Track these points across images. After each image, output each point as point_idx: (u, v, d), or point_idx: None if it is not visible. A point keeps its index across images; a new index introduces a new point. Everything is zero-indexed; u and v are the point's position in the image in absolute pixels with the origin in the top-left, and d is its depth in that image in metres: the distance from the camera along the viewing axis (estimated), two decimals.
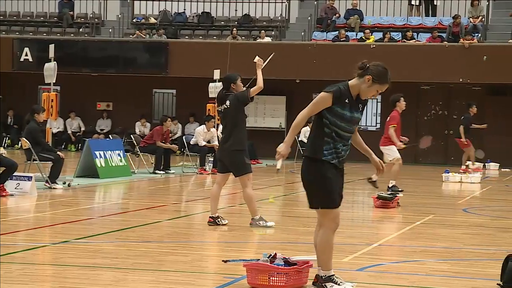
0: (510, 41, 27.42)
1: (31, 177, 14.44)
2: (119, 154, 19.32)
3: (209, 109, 23.72)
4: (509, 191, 19.29)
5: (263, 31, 29.20)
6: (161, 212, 12.89)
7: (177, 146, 22.89)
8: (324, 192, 6.68)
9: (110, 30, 30.44)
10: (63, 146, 29.35)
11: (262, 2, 30.81)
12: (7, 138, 30.29)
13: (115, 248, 9.15)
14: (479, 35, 28.14)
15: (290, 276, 6.92)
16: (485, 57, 26.32)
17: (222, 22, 30.88)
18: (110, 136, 24.38)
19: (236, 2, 31.00)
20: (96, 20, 31.07)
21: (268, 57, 11.73)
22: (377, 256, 9.16)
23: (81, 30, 30.86)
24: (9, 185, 14.12)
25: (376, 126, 29.11)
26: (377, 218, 13.12)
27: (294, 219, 12.91)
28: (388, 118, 16.60)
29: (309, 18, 29.83)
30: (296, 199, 16.12)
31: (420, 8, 30.09)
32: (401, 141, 16.41)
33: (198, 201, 15.11)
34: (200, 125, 23.02)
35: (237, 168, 10.89)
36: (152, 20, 31.00)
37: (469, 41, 26.83)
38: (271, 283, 6.90)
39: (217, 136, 21.98)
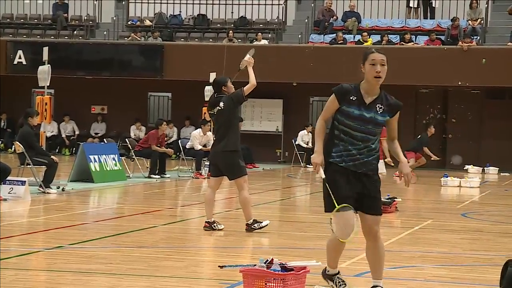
0: (509, 43, 27.45)
1: (25, 181, 14.42)
2: (114, 158, 19.31)
3: (205, 113, 23.69)
4: (509, 195, 19.30)
5: (259, 33, 29.20)
6: (156, 217, 12.88)
7: (172, 150, 22.89)
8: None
9: (105, 32, 30.43)
10: (57, 150, 29.32)
11: (259, 4, 30.81)
12: (0, 142, 30.26)
13: (110, 253, 9.14)
14: (478, 37, 28.17)
15: (287, 281, 6.92)
16: (484, 60, 26.36)
17: (218, 25, 30.89)
18: (104, 140, 24.37)
19: (233, 4, 31.00)
20: (90, 22, 31.06)
21: (248, 53, 11.72)
22: None
23: (75, 32, 30.84)
24: (3, 190, 14.10)
25: None
26: None
27: (291, 224, 12.90)
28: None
29: (306, 20, 29.85)
30: (293, 204, 16.14)
31: (419, 10, 30.12)
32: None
33: (194, 205, 15.10)
34: (196, 129, 23.03)
35: (232, 170, 10.84)
36: (147, 23, 31.00)
37: (467, 44, 26.87)
38: None
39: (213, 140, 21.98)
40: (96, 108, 31.02)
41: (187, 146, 21.78)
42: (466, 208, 15.63)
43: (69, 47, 29.25)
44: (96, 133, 30.61)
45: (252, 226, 10.96)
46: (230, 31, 29.22)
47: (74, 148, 29.16)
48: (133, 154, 21.00)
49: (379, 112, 6.59)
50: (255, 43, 28.47)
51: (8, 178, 14.20)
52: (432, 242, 10.69)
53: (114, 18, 30.92)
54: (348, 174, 6.59)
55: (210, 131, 21.85)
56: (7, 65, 28.77)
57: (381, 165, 16.50)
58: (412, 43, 28.37)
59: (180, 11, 31.27)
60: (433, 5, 30.04)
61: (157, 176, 20.41)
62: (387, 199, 14.12)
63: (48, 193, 15.49)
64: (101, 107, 31.01)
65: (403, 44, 28.17)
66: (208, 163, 21.65)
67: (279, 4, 30.65)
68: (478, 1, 29.01)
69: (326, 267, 7.08)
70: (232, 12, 30.99)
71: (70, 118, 30.54)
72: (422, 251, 9.89)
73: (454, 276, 8.23)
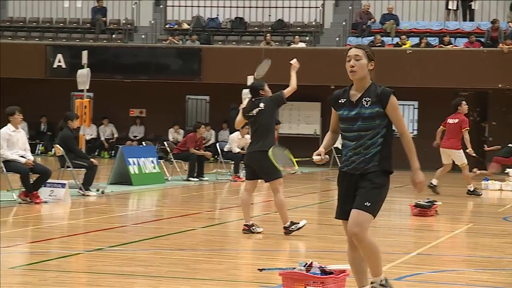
0: None
1: (65, 184, 14.55)
2: (152, 161, 19.40)
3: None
4: None
5: (297, 36, 29.15)
6: (195, 220, 12.91)
7: (210, 153, 22.94)
8: None
9: (143, 36, 30.61)
10: (96, 153, 29.53)
11: (296, 7, 30.79)
12: (40, 145, 30.56)
13: (149, 256, 9.18)
14: None
15: (327, 285, 6.89)
16: None
17: (256, 28, 30.91)
18: (143, 143, 24.49)
19: (270, 7, 31.00)
20: (128, 26, 31.26)
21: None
22: (416, 265, 9.08)
23: (113, 36, 31.06)
24: (43, 192, 14.24)
25: (413, 132, 28.93)
26: (415, 226, 13.03)
27: (330, 227, 12.85)
28: (456, 120, 17.12)
29: (344, 23, 29.76)
30: (331, 207, 16.07)
31: (458, 12, 29.86)
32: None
33: (232, 208, 15.11)
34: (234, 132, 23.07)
35: (267, 173, 10.83)
36: (185, 26, 31.12)
37: (508, 46, 26.59)
38: None
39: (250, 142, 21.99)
40: (134, 111, 31.21)
41: (225, 149, 21.81)
42: (508, 212, 15.45)
43: (107, 51, 29.46)
44: (135, 136, 30.79)
45: (290, 229, 10.95)
46: (268, 34, 29.21)
47: (113, 151, 29.37)
48: (172, 157, 21.08)
49: (366, 106, 6.34)
50: (293, 46, 28.46)
51: (49, 180, 14.33)
52: (473, 246, 10.60)
53: (152, 21, 31.09)
54: (346, 178, 6.41)
55: (248, 133, 21.86)
56: (47, 68, 29.05)
57: (461, 155, 17.21)
58: (451, 45, 28.14)
59: (217, 15, 31.35)
60: (473, 7, 29.76)
61: (195, 179, 20.47)
62: (427, 202, 14.03)
63: (87, 195, 15.61)
64: (139, 110, 31.19)
65: (442, 47, 27.97)
66: None
67: (316, 7, 30.59)
68: None
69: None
70: (269, 15, 30.98)
71: (109, 121, 30.75)
72: (463, 255, 9.81)
73: (496, 281, 8.15)
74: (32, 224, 12.09)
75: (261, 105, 10.98)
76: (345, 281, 7.07)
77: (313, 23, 30.53)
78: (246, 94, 23.97)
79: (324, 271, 7.00)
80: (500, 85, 26.68)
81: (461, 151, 17.65)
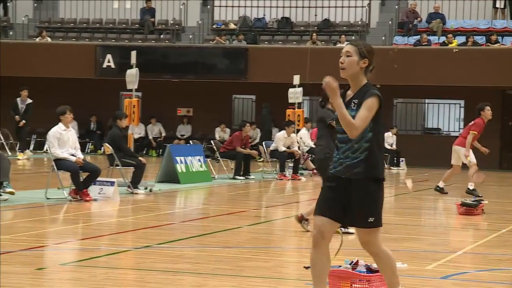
0: None
1: (114, 182, 14.67)
2: (199, 160, 19.49)
3: (288, 115, 23.74)
4: None
5: (343, 35, 29.05)
6: (241, 218, 12.94)
7: (257, 152, 22.97)
8: None
9: (190, 36, 30.76)
10: (144, 152, 29.74)
11: (343, 6, 30.67)
12: (90, 143, 30.89)
13: (196, 253, 9.23)
14: None
15: (372, 283, 6.86)
16: None
17: (302, 27, 30.87)
18: (190, 141, 24.63)
19: (316, 7, 30.93)
20: (176, 26, 31.44)
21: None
22: (462, 264, 9.00)
23: (162, 36, 31.27)
24: (93, 190, 14.37)
25: (459, 131, 28.65)
26: (461, 225, 12.91)
27: None
28: (472, 122, 16.46)
29: (390, 22, 29.58)
30: None
31: (505, 11, 29.50)
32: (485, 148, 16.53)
33: (278, 207, 15.11)
34: (279, 131, 23.07)
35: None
36: (232, 26, 31.20)
37: None
38: None
39: (297, 142, 21.99)
40: (182, 111, 31.37)
41: (271, 148, 21.82)
42: None
43: (155, 51, 29.66)
44: (182, 135, 30.96)
45: (302, 222, 10.85)
46: (314, 34, 29.16)
47: (160, 150, 29.56)
48: (218, 156, 21.16)
49: (353, 108, 5.86)
50: (338, 45, 28.36)
51: (98, 179, 14.47)
52: None
53: (200, 22, 31.23)
54: (336, 180, 5.98)
55: (294, 132, 21.85)
56: (96, 68, 29.35)
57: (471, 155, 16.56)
58: (499, 44, 27.81)
59: (264, 14, 31.37)
60: None
61: (241, 177, 20.51)
62: (473, 201, 13.88)
63: (136, 193, 15.72)
64: (186, 109, 31.35)
65: (489, 45, 27.65)
66: (291, 165, 21.75)
67: (362, 6, 30.45)
68: None
69: None
70: (315, 15, 30.92)
71: (157, 120, 30.95)
72: (509, 254, 9.68)
73: None
74: (82, 222, 12.22)
75: None
76: None
77: (359, 22, 30.39)
78: (292, 93, 24.01)
79: (370, 269, 6.97)
80: None
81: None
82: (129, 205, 14.39)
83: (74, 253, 9.35)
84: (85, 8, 32.19)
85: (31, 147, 30.01)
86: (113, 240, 10.17)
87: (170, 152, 18.74)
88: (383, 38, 29.11)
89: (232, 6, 31.63)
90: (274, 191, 18.93)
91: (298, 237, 10.71)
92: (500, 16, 29.53)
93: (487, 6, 29.59)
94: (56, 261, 8.61)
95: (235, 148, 20.78)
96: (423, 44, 27.87)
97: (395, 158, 27.37)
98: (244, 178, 20.57)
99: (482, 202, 14.00)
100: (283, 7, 31.16)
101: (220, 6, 31.88)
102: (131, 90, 18.31)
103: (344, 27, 30.46)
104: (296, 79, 23.75)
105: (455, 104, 29.43)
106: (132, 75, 18.17)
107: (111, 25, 32.21)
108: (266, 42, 30.43)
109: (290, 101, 23.95)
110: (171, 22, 31.67)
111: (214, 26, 31.54)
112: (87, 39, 31.35)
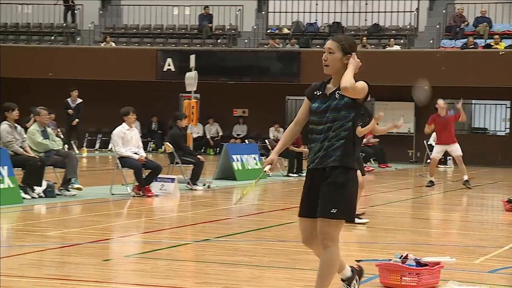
0: None
1: (174, 179, 14.78)
2: (254, 158, 19.53)
3: None
4: None
5: (392, 39, 28.85)
6: (295, 213, 12.82)
7: (308, 150, 22.89)
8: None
9: (246, 40, 30.83)
10: (202, 150, 29.90)
11: (392, 11, 30.45)
12: (151, 142, 31.16)
13: (252, 246, 9.25)
14: None
15: (422, 276, 6.81)
16: None
17: (352, 31, 30.70)
18: (246, 140, 24.69)
19: (366, 12, 30.76)
20: (233, 31, 31.54)
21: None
22: (509, 259, 8.85)
23: (219, 41, 31.40)
24: (154, 186, 14.51)
25: (505, 131, 28.23)
26: (508, 221, 12.70)
27: (423, 221, 12.68)
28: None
29: (437, 26, 29.27)
30: (425, 202, 15.85)
31: None
32: None
33: None
34: None
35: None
36: (285, 31, 31.19)
37: None
38: (403, 282, 6.81)
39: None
40: (237, 111, 31.47)
41: None
42: None
43: (213, 55, 29.79)
44: (238, 135, 31.05)
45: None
46: (364, 38, 29.00)
47: (217, 148, 29.68)
48: None
49: (337, 97, 5.70)
50: (388, 48, 28.17)
51: (159, 176, 14.60)
52: None
53: (255, 27, 31.29)
54: (313, 176, 5.86)
55: None
56: (157, 71, 29.58)
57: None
58: None
59: (316, 20, 31.30)
60: None
61: (295, 175, 20.49)
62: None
63: (195, 189, 15.82)
64: (242, 110, 31.43)
65: None
66: None
67: (411, 11, 30.19)
68: None
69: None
70: (365, 20, 30.76)
71: (214, 120, 31.10)
72: None
73: None
74: (145, 216, 12.34)
75: None
76: (440, 272, 6.97)
77: (408, 26, 30.13)
78: None
79: (419, 263, 6.93)
80: None
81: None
82: (188, 201, 14.48)
83: (137, 246, 9.45)
84: (147, 14, 32.47)
85: (97, 146, 30.42)
86: (173, 234, 10.25)
87: (227, 150, 18.81)
88: (431, 41, 28.82)
89: (286, 12, 31.62)
90: None
91: (349, 231, 10.66)
92: None
93: None
94: (120, 253, 8.71)
95: (288, 147, 20.74)
96: (470, 47, 27.51)
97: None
98: (297, 175, 20.54)
99: None
100: (335, 12, 31.05)
101: (274, 12, 31.89)
102: (190, 92, 18.42)
103: (393, 31, 30.22)
104: None
105: (501, 104, 28.99)
106: (191, 78, 18.29)
107: (171, 30, 32.45)
108: (318, 46, 30.32)
109: None
110: (228, 27, 31.78)
111: (268, 31, 31.56)
112: (148, 44, 31.62)
